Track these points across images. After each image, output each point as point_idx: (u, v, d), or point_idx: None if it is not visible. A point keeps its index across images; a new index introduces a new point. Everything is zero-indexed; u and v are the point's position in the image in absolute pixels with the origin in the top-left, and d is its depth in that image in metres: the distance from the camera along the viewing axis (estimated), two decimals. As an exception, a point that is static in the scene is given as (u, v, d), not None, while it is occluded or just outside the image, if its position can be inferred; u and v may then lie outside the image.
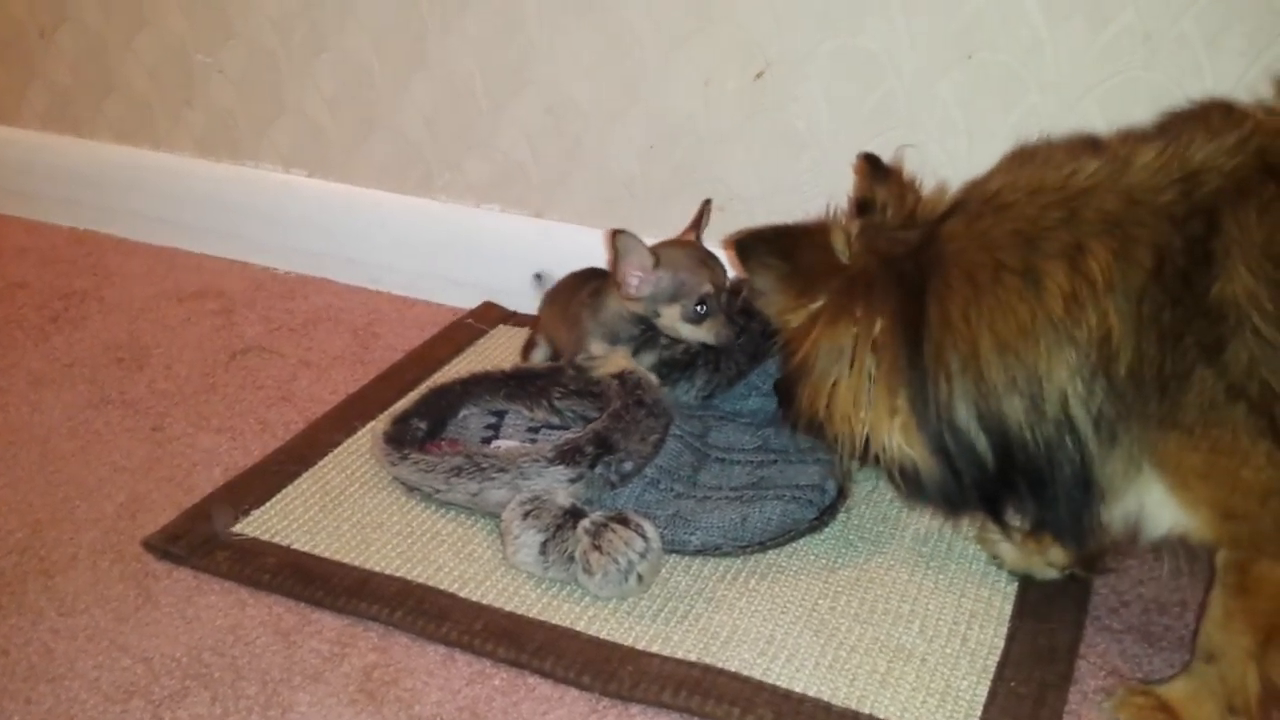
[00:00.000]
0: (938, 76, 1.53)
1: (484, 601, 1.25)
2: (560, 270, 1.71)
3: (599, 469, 1.34)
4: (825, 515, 1.35)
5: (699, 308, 1.43)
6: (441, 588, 1.27)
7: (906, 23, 1.52)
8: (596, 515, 1.27)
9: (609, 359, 1.49)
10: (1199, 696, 1.07)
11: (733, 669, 1.15)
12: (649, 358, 1.51)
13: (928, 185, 1.16)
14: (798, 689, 1.13)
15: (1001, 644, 1.18)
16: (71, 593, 1.29)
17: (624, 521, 1.25)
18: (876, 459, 1.10)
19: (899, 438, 1.07)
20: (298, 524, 1.37)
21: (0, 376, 1.75)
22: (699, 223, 1.53)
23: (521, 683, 1.16)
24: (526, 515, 1.28)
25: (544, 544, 1.26)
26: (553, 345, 1.64)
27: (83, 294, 2.01)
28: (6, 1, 2.18)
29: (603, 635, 1.20)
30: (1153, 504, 1.02)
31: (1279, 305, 0.90)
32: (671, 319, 1.46)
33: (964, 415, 1.02)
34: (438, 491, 1.37)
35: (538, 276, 1.81)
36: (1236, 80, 1.39)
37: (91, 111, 2.20)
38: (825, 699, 1.11)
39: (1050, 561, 1.26)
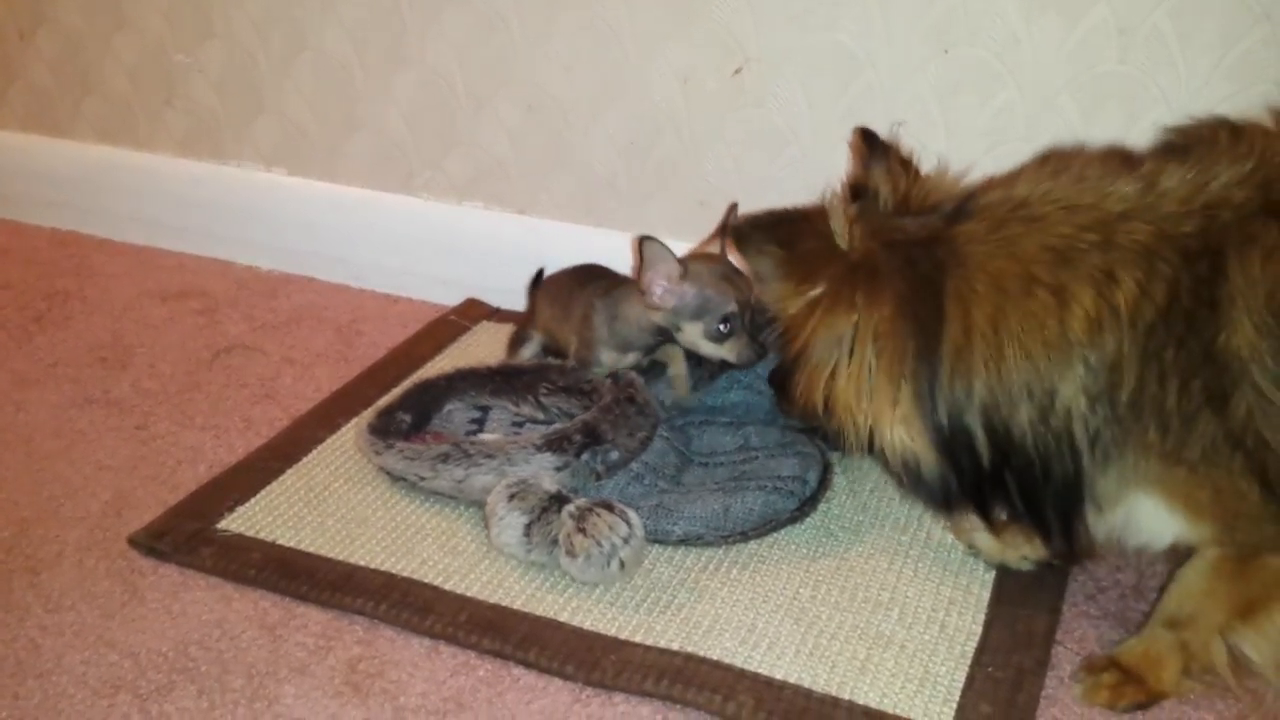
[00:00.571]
0: (915, 72, 1.55)
1: (468, 594, 1.26)
2: (549, 268, 1.72)
3: (585, 457, 1.35)
4: (806, 506, 1.37)
5: (722, 326, 1.39)
6: (426, 581, 1.28)
7: (884, 18, 1.54)
8: (581, 500, 1.28)
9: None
10: (1160, 659, 1.11)
11: (714, 657, 1.16)
12: (632, 355, 1.51)
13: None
14: (778, 676, 1.14)
15: (979, 630, 1.20)
16: (58, 589, 1.29)
17: (609, 507, 1.27)
18: (878, 451, 1.10)
19: (901, 430, 1.07)
20: (282, 520, 1.38)
21: (-17, 377, 1.75)
22: (724, 229, 1.45)
23: (506, 673, 1.17)
24: (512, 498, 1.29)
25: (528, 526, 1.27)
26: (551, 341, 1.62)
27: (65, 294, 2.01)
28: (-14, 3, 2.18)
29: (586, 625, 1.21)
30: (1149, 520, 1.05)
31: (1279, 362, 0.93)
32: (693, 335, 1.42)
33: (973, 415, 1.03)
34: (423, 479, 1.38)
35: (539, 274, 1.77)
36: (1209, 73, 1.41)
37: (72, 112, 2.20)
38: (806, 686, 1.13)
39: (1025, 555, 1.27)
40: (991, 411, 1.02)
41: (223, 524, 1.37)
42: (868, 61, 1.57)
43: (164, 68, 2.07)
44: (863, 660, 1.16)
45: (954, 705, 1.11)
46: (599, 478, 1.38)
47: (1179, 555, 1.12)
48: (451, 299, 1.93)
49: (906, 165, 1.15)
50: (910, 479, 1.11)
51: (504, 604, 1.24)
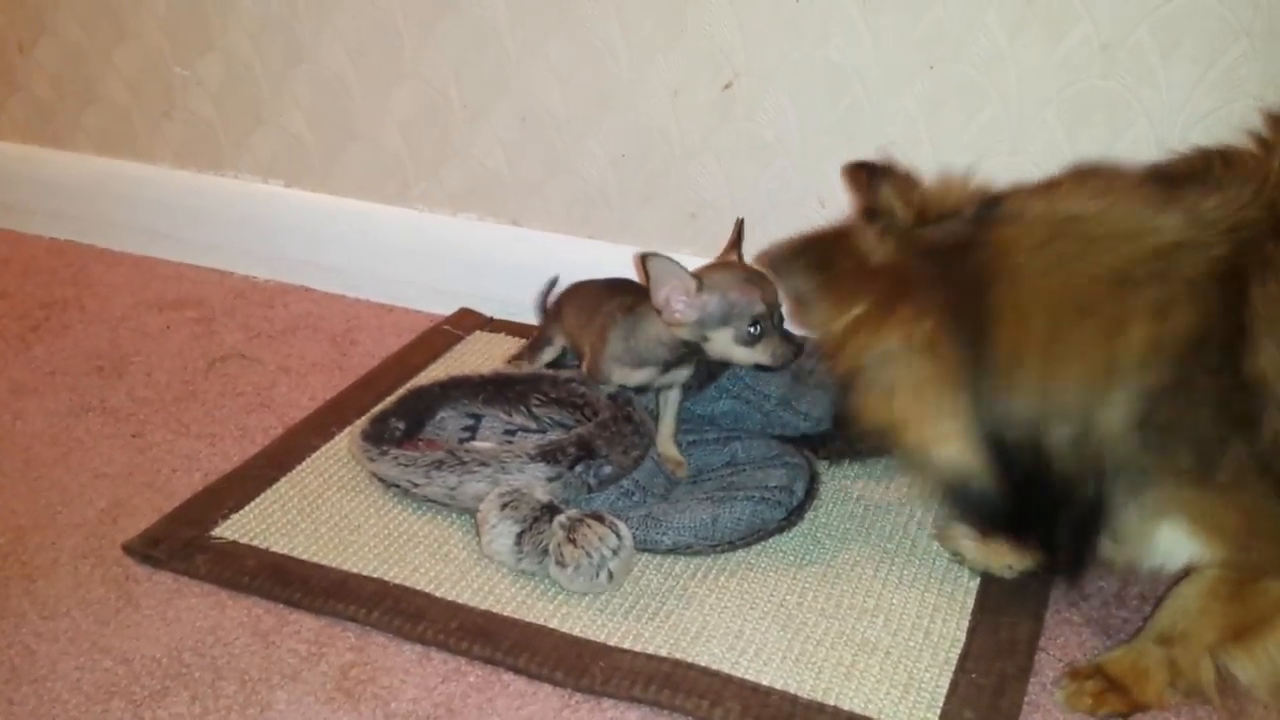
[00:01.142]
0: (901, 87, 1.57)
1: (459, 601, 1.27)
2: (542, 278, 1.74)
3: (578, 469, 1.37)
4: (793, 515, 1.38)
5: (752, 329, 1.34)
6: (418, 588, 1.29)
7: (871, 35, 1.56)
8: (573, 511, 1.30)
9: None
10: (1147, 673, 1.12)
11: (702, 663, 1.18)
12: (646, 371, 1.47)
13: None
14: (765, 682, 1.16)
15: (963, 637, 1.22)
16: (53, 596, 1.31)
17: (599, 519, 1.28)
18: (931, 467, 1.10)
19: (957, 443, 1.06)
20: (276, 527, 1.40)
21: (-19, 385, 1.77)
22: (737, 242, 1.44)
23: (496, 679, 1.18)
24: (504, 506, 1.31)
25: (519, 535, 1.29)
26: (574, 346, 1.60)
27: (64, 303, 2.03)
28: (-14, 16, 2.20)
29: (575, 632, 1.23)
30: (1166, 543, 1.05)
31: None
32: (723, 343, 1.36)
33: (1013, 431, 1.03)
34: (416, 486, 1.40)
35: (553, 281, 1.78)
36: (1191, 88, 1.43)
37: (71, 124, 2.22)
38: (792, 691, 1.14)
39: (1009, 563, 1.29)
40: (1029, 428, 1.02)
41: (217, 531, 1.39)
42: (855, 77, 1.59)
43: (163, 80, 2.09)
44: (848, 666, 1.18)
45: (938, 711, 1.12)
46: (590, 491, 1.40)
47: (1176, 572, 1.12)
48: (446, 309, 1.95)
49: (909, 179, 1.15)
50: (958, 494, 1.11)
51: (494, 610, 1.26)
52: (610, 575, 1.26)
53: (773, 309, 1.35)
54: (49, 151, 2.26)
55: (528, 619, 1.25)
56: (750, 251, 1.45)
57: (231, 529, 1.39)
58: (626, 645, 1.21)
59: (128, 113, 2.15)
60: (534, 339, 1.69)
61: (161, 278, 2.13)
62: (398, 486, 1.43)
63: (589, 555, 1.25)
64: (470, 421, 1.58)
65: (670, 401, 1.49)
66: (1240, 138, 1.12)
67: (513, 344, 1.81)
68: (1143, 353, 0.97)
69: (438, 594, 1.28)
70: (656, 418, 1.49)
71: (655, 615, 1.25)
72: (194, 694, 1.17)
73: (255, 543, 1.37)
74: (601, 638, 1.22)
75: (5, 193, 2.32)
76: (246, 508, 1.43)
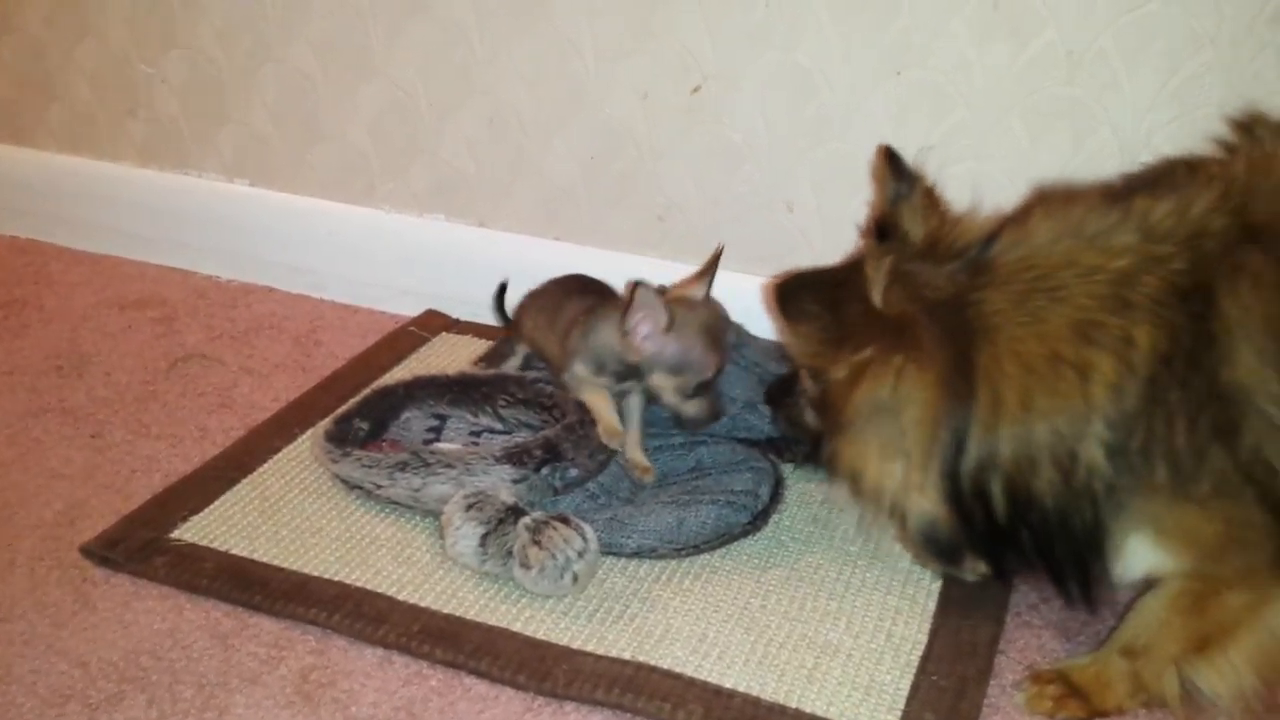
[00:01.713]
0: (869, 92, 1.58)
1: (422, 604, 1.26)
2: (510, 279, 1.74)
3: (544, 472, 1.37)
4: (759, 519, 1.38)
5: (694, 389, 1.42)
6: (379, 590, 1.28)
7: (839, 40, 1.56)
8: (538, 514, 1.29)
9: (588, 387, 1.47)
10: (1110, 683, 1.13)
11: (665, 666, 1.18)
12: (603, 379, 1.48)
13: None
14: (728, 685, 1.16)
15: (924, 639, 1.22)
16: (9, 598, 1.29)
17: (565, 521, 1.28)
18: (899, 514, 1.11)
19: (925, 497, 1.08)
20: (236, 529, 1.38)
21: (-62, 385, 1.74)
22: (710, 270, 1.45)
23: (458, 683, 1.18)
24: (469, 508, 1.30)
25: (484, 537, 1.28)
26: (536, 352, 1.61)
27: (23, 302, 2.00)
28: (-53, 10, 2.17)
29: (538, 635, 1.22)
30: (1131, 554, 1.06)
31: None
32: (663, 384, 1.43)
33: (996, 480, 1.05)
34: (379, 488, 1.39)
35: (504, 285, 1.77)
36: (1154, 96, 1.45)
37: (34, 121, 2.19)
38: (754, 694, 1.14)
39: (973, 567, 1.29)
40: (1014, 476, 1.04)
41: (176, 533, 1.37)
42: (823, 81, 1.59)
43: (127, 77, 2.06)
44: (810, 669, 1.18)
45: (899, 713, 1.13)
46: (556, 494, 1.39)
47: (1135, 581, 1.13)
48: (412, 310, 1.93)
49: (933, 199, 1.15)
50: (926, 541, 1.12)
51: (457, 614, 1.25)
52: (575, 578, 1.25)
53: (718, 374, 1.42)
54: (11, 149, 2.23)
55: (491, 622, 1.24)
56: (725, 254, 1.45)
57: (191, 531, 1.38)
58: (590, 648, 1.20)
59: (91, 110, 2.13)
60: (493, 350, 1.69)
61: (123, 277, 2.11)
62: (361, 488, 1.42)
63: (554, 558, 1.24)
64: (435, 423, 1.57)
65: (633, 408, 1.49)
66: (1204, 145, 1.14)
67: (479, 346, 1.81)
68: (1115, 383, 0.99)
69: (400, 597, 1.27)
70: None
71: (619, 618, 1.25)
72: (151, 698, 1.15)
73: (215, 545, 1.35)
74: (565, 641, 1.21)
75: (-35, 190, 2.29)
76: (207, 509, 1.41)
